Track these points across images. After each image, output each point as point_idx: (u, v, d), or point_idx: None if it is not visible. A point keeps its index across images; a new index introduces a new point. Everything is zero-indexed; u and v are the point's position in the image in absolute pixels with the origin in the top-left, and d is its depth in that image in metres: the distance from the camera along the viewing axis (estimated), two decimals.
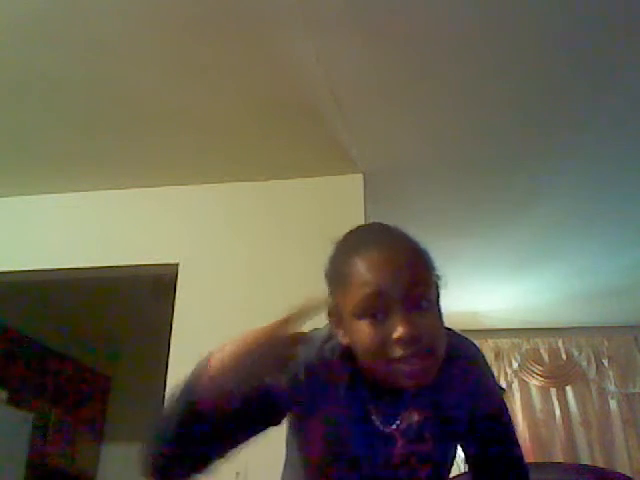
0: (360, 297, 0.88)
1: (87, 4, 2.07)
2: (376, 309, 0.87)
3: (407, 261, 0.90)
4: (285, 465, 1.11)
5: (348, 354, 0.96)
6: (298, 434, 1.02)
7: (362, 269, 0.89)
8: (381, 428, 0.97)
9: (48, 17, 2.12)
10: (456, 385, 1.01)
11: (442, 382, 0.97)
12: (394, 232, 0.98)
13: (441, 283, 0.97)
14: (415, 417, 0.98)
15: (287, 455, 1.09)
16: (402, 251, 0.92)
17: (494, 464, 1.05)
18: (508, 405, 1.14)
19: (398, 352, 0.86)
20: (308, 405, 0.97)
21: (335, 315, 0.95)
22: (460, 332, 1.08)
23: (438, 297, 0.96)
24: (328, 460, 0.98)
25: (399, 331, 0.85)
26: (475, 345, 1.09)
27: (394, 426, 0.97)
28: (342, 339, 0.94)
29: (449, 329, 1.02)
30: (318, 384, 0.96)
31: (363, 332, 0.88)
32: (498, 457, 1.05)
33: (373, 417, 0.97)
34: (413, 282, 0.88)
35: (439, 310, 0.94)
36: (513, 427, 1.09)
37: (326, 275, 0.98)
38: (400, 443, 0.96)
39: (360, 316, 0.89)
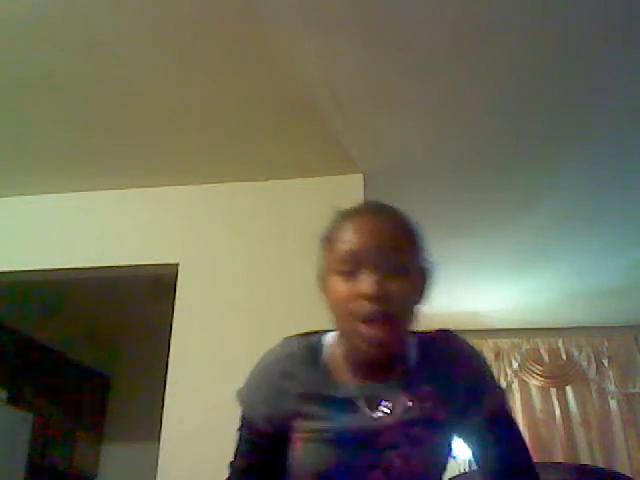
0: (338, 255, 0.97)
1: (87, 3, 2.07)
2: (350, 267, 0.94)
3: (387, 230, 0.98)
4: None
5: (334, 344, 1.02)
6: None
7: (345, 231, 0.98)
8: (368, 414, 0.97)
9: (48, 16, 2.12)
10: (449, 375, 1.01)
11: (433, 372, 1.00)
12: (386, 207, 1.05)
13: (430, 270, 1.03)
14: (403, 403, 0.98)
15: None
16: (385, 221, 1.00)
17: (497, 461, 1.05)
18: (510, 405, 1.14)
19: (361, 309, 0.92)
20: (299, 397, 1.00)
21: (321, 278, 1.02)
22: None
23: (424, 281, 1.02)
24: (314, 448, 0.97)
25: (365, 287, 0.91)
26: (475, 348, 1.11)
27: (380, 412, 0.97)
28: (324, 300, 1.01)
29: (449, 330, 1.07)
30: (305, 374, 1.00)
31: (335, 287, 0.96)
32: (500, 454, 1.05)
33: (358, 403, 0.98)
34: (389, 248, 0.95)
35: (421, 296, 1.01)
36: (516, 426, 1.09)
37: (320, 240, 1.05)
38: (386, 429, 0.96)
39: (336, 272, 0.96)
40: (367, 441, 0.96)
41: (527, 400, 4.77)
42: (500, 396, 1.08)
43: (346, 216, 1.02)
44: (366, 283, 0.92)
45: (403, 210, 1.06)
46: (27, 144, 2.85)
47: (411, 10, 2.05)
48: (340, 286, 0.95)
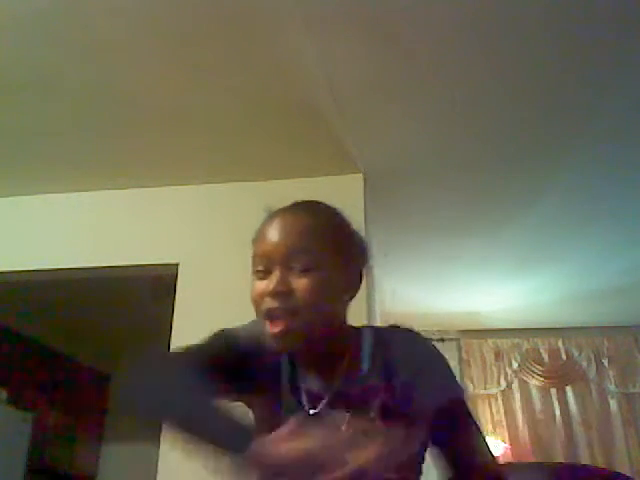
0: (255, 254, 1.04)
1: (87, 4, 2.07)
2: (263, 267, 1.00)
3: (295, 229, 1.01)
4: None
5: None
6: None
7: (262, 232, 1.05)
8: (309, 410, 0.98)
9: (48, 17, 2.12)
10: (398, 373, 0.98)
11: (383, 369, 0.99)
12: (303, 206, 1.08)
13: (356, 264, 1.05)
14: (344, 400, 0.97)
15: None
16: (295, 220, 1.03)
17: (453, 464, 1.01)
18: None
19: (266, 304, 0.96)
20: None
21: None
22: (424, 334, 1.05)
23: (352, 281, 1.03)
24: None
25: (269, 285, 0.97)
26: (431, 344, 1.06)
27: (319, 409, 0.98)
28: None
29: (411, 330, 1.04)
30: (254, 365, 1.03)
31: (252, 286, 1.02)
32: (456, 456, 1.01)
33: (302, 399, 1.00)
34: (294, 249, 0.98)
35: (339, 294, 1.01)
36: (471, 426, 1.03)
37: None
38: (326, 427, 0.93)
39: (253, 272, 1.03)
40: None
41: (527, 400, 4.77)
42: (453, 395, 1.02)
43: (266, 218, 1.08)
44: (272, 282, 0.97)
45: (328, 207, 1.09)
46: (27, 144, 2.85)
47: (411, 10, 2.05)
48: (255, 285, 1.01)
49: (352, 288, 1.04)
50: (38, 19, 2.13)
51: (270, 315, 0.96)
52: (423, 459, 1.03)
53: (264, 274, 0.99)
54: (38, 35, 2.21)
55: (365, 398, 0.97)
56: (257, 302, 0.99)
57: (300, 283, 0.96)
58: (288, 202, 1.15)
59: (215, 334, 1.12)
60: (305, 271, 0.96)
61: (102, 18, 2.13)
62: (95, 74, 2.40)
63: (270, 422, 0.93)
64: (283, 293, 0.95)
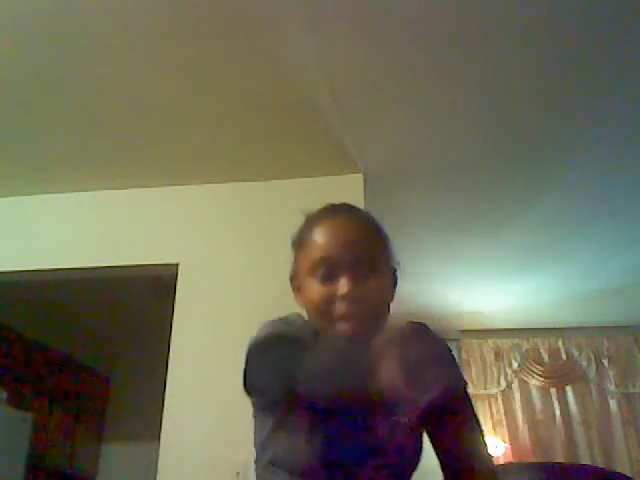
0: (315, 258, 1.02)
1: (87, 4, 2.07)
2: (327, 270, 1.00)
3: (360, 234, 1.04)
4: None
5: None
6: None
7: (321, 235, 1.04)
8: None
9: (48, 17, 2.12)
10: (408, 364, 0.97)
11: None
12: (355, 210, 1.11)
13: (398, 272, 1.09)
14: None
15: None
16: (357, 225, 1.06)
17: (449, 459, 1.00)
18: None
19: (341, 309, 0.98)
20: None
21: (295, 279, 1.10)
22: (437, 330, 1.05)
23: (395, 283, 1.08)
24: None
25: (343, 289, 0.98)
26: (441, 340, 1.05)
27: None
28: (299, 302, 1.08)
29: (422, 323, 1.02)
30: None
31: (314, 289, 1.01)
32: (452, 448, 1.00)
33: None
34: (363, 253, 1.01)
35: (392, 295, 1.06)
36: (472, 423, 1.02)
37: (292, 243, 1.13)
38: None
39: (314, 275, 1.02)
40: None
41: (527, 400, 4.77)
42: (455, 386, 1.00)
43: (317, 220, 1.08)
44: (345, 286, 0.98)
45: (370, 212, 1.12)
46: (27, 144, 2.85)
47: (412, 10, 2.05)
48: (320, 289, 1.01)
49: (394, 290, 1.09)
50: (38, 19, 2.13)
51: (344, 317, 0.98)
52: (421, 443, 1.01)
53: (328, 278, 1.01)
54: (38, 35, 2.21)
55: None
56: (323, 306, 1.00)
57: (368, 287, 0.99)
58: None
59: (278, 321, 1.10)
60: (369, 275, 1.00)
61: (102, 18, 2.13)
62: (95, 74, 2.40)
63: None
64: (357, 297, 0.98)
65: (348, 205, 1.13)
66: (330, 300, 0.99)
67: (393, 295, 1.07)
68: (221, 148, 2.84)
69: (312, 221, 1.09)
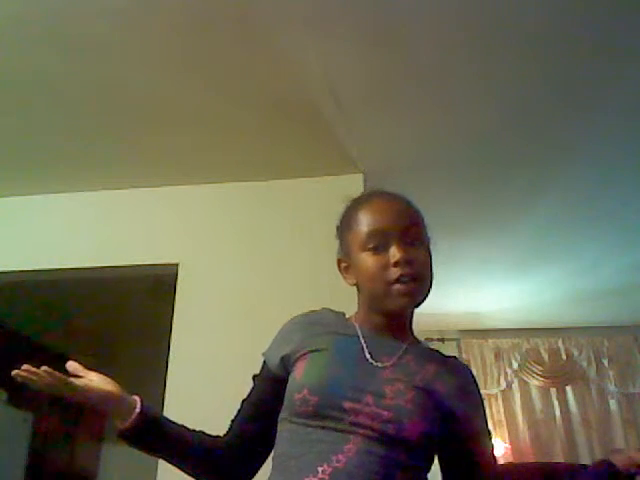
0: (366, 233, 1.13)
1: (87, 4, 2.07)
2: (378, 242, 1.11)
3: (403, 208, 1.18)
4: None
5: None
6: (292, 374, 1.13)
7: (368, 213, 1.16)
8: (372, 362, 1.10)
9: (48, 17, 2.12)
10: (449, 378, 1.14)
11: (438, 370, 1.12)
12: (392, 192, 1.23)
13: (431, 244, 1.20)
14: (407, 362, 1.11)
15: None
16: (400, 201, 1.19)
17: (462, 466, 1.13)
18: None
19: (395, 273, 1.08)
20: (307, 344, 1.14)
21: (344, 260, 1.19)
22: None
23: (430, 252, 1.17)
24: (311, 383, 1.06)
25: (396, 256, 1.09)
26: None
27: (383, 363, 1.10)
28: (349, 281, 1.18)
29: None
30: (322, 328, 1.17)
31: (367, 261, 1.11)
32: (466, 459, 1.13)
33: (366, 354, 1.11)
34: (408, 224, 1.14)
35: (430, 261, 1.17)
36: (488, 438, 1.18)
37: (337, 229, 1.23)
38: (385, 375, 1.07)
39: (365, 249, 1.12)
40: (355, 376, 1.06)
41: (527, 400, 4.77)
42: (483, 420, 1.20)
43: (361, 200, 1.21)
44: (397, 253, 1.09)
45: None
46: (27, 144, 2.85)
47: (411, 12, 2.05)
48: (373, 260, 1.10)
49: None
50: (38, 19, 2.13)
51: (401, 280, 1.08)
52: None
53: (379, 249, 1.11)
54: (38, 35, 2.21)
55: (416, 364, 1.11)
56: (379, 273, 1.10)
57: (417, 254, 1.12)
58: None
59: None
60: (415, 243, 1.12)
61: (102, 18, 2.13)
62: (95, 74, 2.40)
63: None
64: (410, 261, 1.09)
65: (384, 189, 1.24)
66: (384, 267, 1.09)
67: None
68: (221, 148, 2.84)
69: (356, 202, 1.21)
